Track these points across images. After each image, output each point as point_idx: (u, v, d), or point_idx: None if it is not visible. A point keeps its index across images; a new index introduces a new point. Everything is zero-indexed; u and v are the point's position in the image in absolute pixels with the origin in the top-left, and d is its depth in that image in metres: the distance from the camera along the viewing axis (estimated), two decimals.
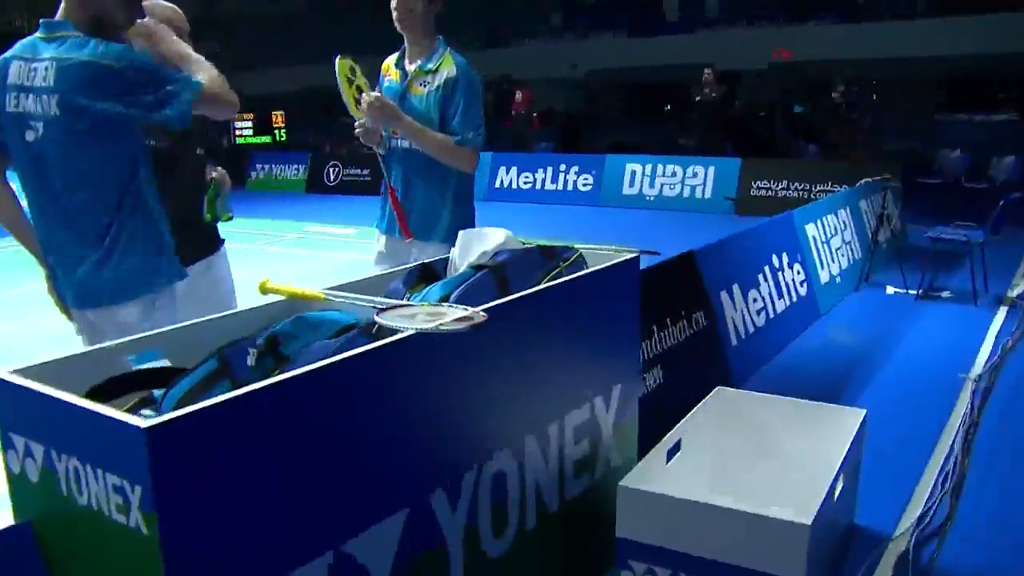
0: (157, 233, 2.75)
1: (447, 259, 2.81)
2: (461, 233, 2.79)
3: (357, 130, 3.45)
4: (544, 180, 14.53)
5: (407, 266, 2.81)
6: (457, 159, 3.43)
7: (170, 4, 3.21)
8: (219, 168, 3.53)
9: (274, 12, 30.78)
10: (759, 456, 3.33)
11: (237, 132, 23.44)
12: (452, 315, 2.07)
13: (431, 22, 3.50)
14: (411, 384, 2.01)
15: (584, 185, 14.08)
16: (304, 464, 1.73)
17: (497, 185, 14.99)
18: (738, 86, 19.35)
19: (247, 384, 1.64)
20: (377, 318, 2.02)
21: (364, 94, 3.32)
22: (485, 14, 28.11)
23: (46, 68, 2.52)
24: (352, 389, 1.84)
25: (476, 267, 2.54)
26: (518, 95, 17.43)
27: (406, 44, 3.56)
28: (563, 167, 14.42)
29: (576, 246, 2.85)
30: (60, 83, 2.50)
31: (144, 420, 1.44)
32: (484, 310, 2.08)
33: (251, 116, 23.63)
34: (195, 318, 3.33)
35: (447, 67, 3.45)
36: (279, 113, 24.03)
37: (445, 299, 2.36)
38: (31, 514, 1.76)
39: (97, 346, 2.04)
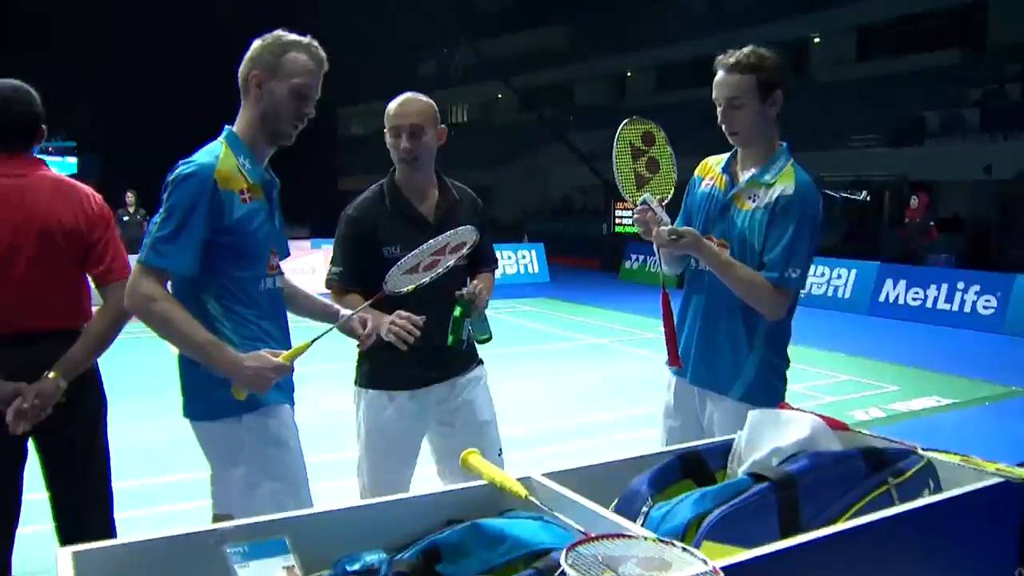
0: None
1: (730, 443, 2.05)
2: (752, 414, 2.02)
3: (635, 218, 2.80)
4: (937, 298, 12.72)
5: (666, 452, 2.05)
6: (764, 302, 2.70)
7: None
8: (478, 282, 3.09)
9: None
10: None
11: (617, 220, 23.69)
12: (679, 569, 1.34)
13: (769, 124, 2.79)
14: None
15: (985, 308, 12.06)
16: None
17: (881, 299, 13.45)
18: None
19: None
20: (564, 564, 1.35)
21: (653, 206, 2.74)
22: (883, 106, 26.31)
23: None
24: None
25: (755, 476, 1.76)
26: (914, 200, 15.63)
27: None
28: (961, 285, 12.50)
29: (924, 451, 1.95)
30: None
31: None
32: (741, 564, 1.33)
33: (631, 205, 23.73)
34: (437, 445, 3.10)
35: (785, 183, 2.73)
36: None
37: (698, 523, 1.63)
38: None
39: (194, 529, 1.59)
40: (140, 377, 7.52)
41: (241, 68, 2.54)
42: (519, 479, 1.82)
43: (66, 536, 2.94)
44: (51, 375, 2.70)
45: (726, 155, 2.94)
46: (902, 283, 13.27)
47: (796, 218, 2.67)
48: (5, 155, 2.80)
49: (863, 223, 23.90)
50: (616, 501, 1.80)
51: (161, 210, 2.38)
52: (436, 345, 2.92)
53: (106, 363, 2.94)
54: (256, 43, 2.53)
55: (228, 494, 2.47)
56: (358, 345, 2.69)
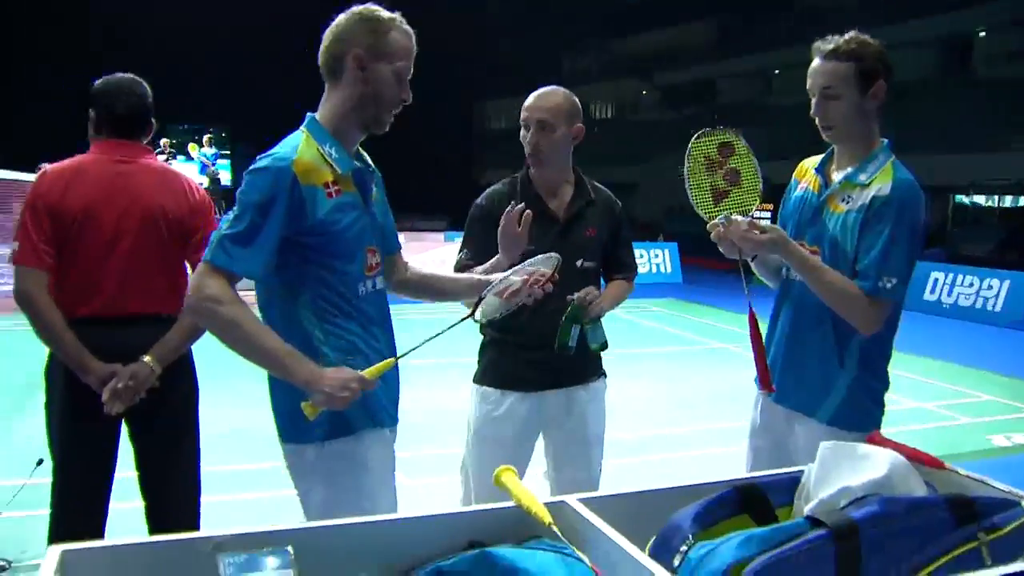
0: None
1: (799, 476, 1.82)
2: (825, 446, 1.77)
3: (712, 235, 2.56)
4: None
5: (721, 482, 1.80)
6: (856, 314, 2.43)
7: None
8: (592, 288, 2.93)
9: None
10: None
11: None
12: None
13: (867, 119, 2.52)
14: None
15: None
16: None
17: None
18: None
19: None
20: None
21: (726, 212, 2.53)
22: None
23: None
24: None
25: (814, 520, 1.53)
26: None
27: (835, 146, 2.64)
28: None
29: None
30: None
31: None
32: None
33: (771, 207, 22.91)
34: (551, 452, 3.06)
35: (881, 182, 2.47)
36: None
37: (739, 569, 1.43)
38: None
39: (192, 534, 1.50)
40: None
41: (330, 46, 2.25)
42: (552, 503, 1.66)
43: (153, 519, 3.03)
44: (146, 359, 2.77)
45: (822, 155, 2.69)
46: None
47: (892, 221, 2.41)
48: (115, 141, 2.92)
49: (1020, 231, 22.31)
50: (655, 536, 1.62)
51: (235, 206, 2.17)
52: (548, 350, 2.86)
53: (204, 349, 2.91)
54: (347, 19, 2.25)
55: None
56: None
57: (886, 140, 2.57)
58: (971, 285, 13.27)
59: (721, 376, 8.58)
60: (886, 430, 2.12)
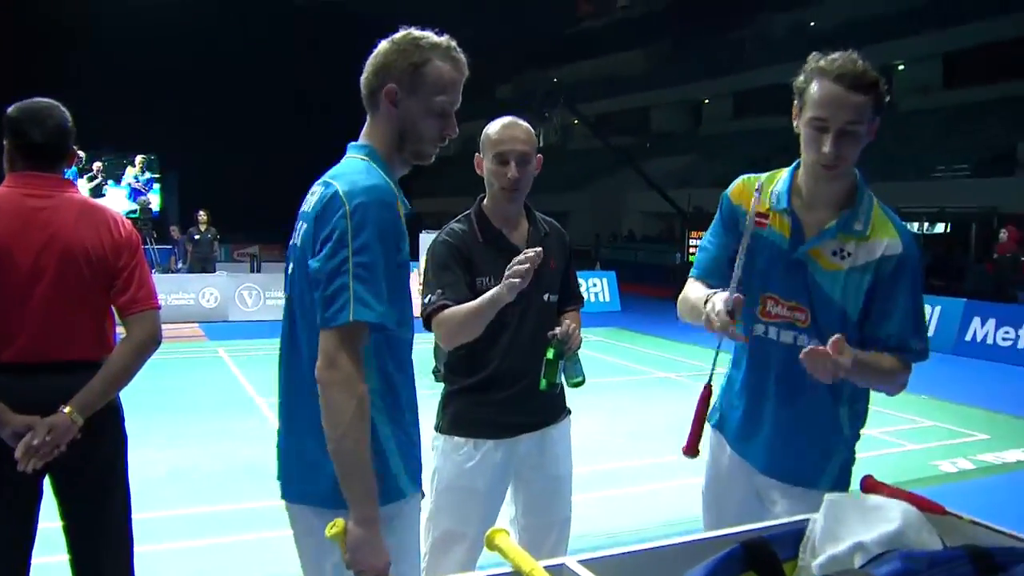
0: None
1: (802, 526, 1.73)
2: (830, 498, 1.69)
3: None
4: None
5: (728, 535, 1.66)
6: (897, 386, 2.29)
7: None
8: (570, 322, 2.85)
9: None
10: None
11: (691, 248, 23.07)
12: None
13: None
14: None
15: None
16: None
17: (968, 338, 12.73)
18: None
19: None
20: None
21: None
22: (969, 135, 25.38)
23: None
24: None
25: None
26: (1003, 234, 14.85)
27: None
28: None
29: None
30: None
31: None
32: None
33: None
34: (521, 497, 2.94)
35: (884, 237, 2.26)
36: None
37: None
38: None
39: None
40: (184, 396, 7.48)
41: (368, 77, 2.09)
42: (551, 566, 1.53)
43: (81, 574, 2.78)
44: (66, 410, 2.51)
45: (771, 179, 2.39)
46: (991, 321, 12.54)
47: (911, 280, 2.26)
48: (31, 174, 2.66)
49: (945, 257, 23.01)
50: None
51: (333, 249, 1.90)
52: (526, 390, 2.75)
53: (132, 387, 2.73)
54: (386, 47, 2.08)
55: None
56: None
57: (856, 171, 2.31)
58: None
59: (669, 406, 8.50)
60: None
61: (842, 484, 2.35)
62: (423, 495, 2.23)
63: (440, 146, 2.15)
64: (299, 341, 2.06)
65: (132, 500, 2.84)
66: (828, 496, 1.69)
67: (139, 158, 25.89)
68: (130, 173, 25.53)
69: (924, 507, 1.74)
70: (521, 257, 2.48)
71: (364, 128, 2.15)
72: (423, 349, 2.85)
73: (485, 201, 2.90)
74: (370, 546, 1.87)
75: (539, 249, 2.52)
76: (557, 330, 2.75)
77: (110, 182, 24.24)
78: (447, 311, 2.68)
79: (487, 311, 2.58)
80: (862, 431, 2.46)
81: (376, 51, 2.09)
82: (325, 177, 2.04)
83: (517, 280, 2.45)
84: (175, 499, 5.13)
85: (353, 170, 2.02)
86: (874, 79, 2.17)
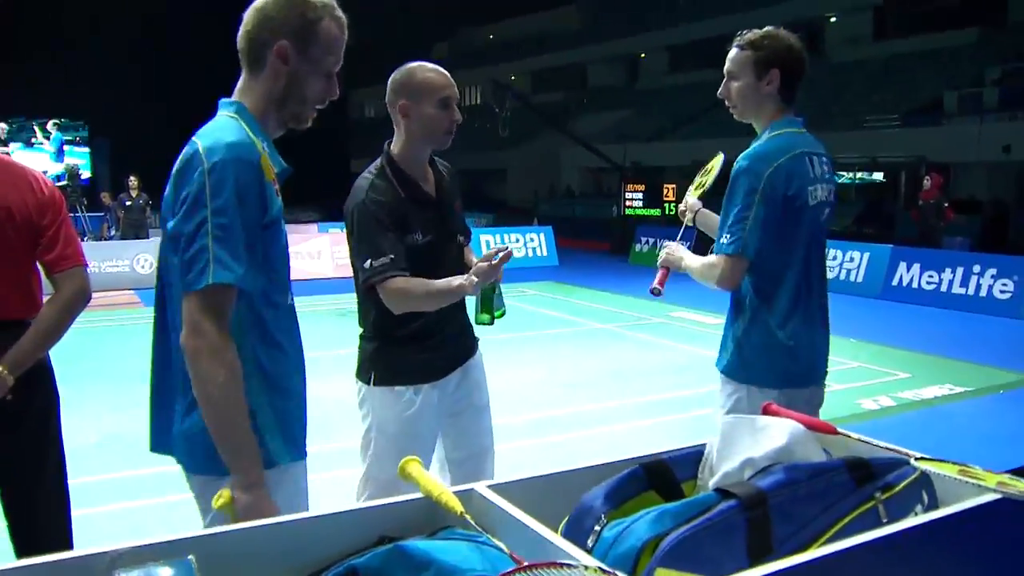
0: None
1: (701, 450, 1.84)
2: (725, 420, 1.80)
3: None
4: (952, 282, 12.38)
5: (629, 460, 1.77)
6: (709, 279, 2.81)
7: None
8: (491, 254, 2.85)
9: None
10: None
11: (628, 202, 23.28)
12: None
13: (761, 100, 2.83)
14: None
15: (1002, 292, 11.73)
16: None
17: (895, 283, 13.13)
18: None
19: None
20: None
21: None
22: (899, 86, 25.90)
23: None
24: None
25: (723, 492, 1.55)
26: (926, 181, 15.25)
27: None
28: (977, 268, 12.17)
29: (919, 461, 1.73)
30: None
31: None
32: None
33: (642, 187, 23.27)
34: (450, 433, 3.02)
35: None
36: (671, 187, 23.50)
37: (655, 545, 1.43)
38: None
39: (83, 551, 1.39)
40: (122, 364, 7.43)
41: (252, 30, 1.98)
42: (460, 492, 1.62)
43: (19, 538, 2.79)
44: None
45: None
46: (916, 266, 12.95)
47: (732, 184, 2.76)
48: None
49: (877, 205, 23.58)
50: (567, 518, 1.60)
51: (190, 209, 1.83)
52: (457, 330, 2.96)
53: (62, 354, 2.73)
54: (268, 2, 1.98)
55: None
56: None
57: (788, 118, 2.84)
58: (834, 258, 13.79)
59: (604, 356, 8.74)
60: None
61: (731, 373, 2.85)
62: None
63: (318, 109, 2.08)
64: (167, 306, 2.00)
65: (68, 465, 2.86)
66: (724, 419, 1.80)
67: (52, 122, 25.13)
68: (40, 132, 24.78)
69: (816, 427, 1.86)
70: (491, 253, 2.59)
71: (240, 84, 2.04)
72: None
73: (399, 150, 2.84)
74: (260, 510, 1.80)
75: (509, 247, 2.64)
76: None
77: (14, 145, 23.20)
78: (399, 281, 2.66)
79: (447, 297, 2.71)
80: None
81: (259, 3, 1.99)
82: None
83: (480, 278, 2.60)
84: (111, 463, 5.13)
85: (217, 127, 1.93)
86: (751, 40, 2.79)
